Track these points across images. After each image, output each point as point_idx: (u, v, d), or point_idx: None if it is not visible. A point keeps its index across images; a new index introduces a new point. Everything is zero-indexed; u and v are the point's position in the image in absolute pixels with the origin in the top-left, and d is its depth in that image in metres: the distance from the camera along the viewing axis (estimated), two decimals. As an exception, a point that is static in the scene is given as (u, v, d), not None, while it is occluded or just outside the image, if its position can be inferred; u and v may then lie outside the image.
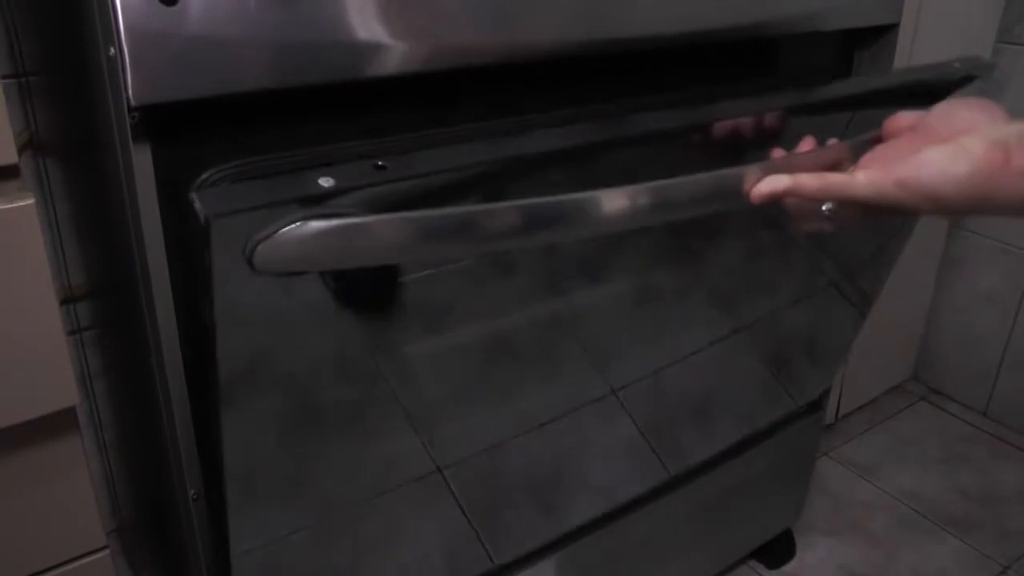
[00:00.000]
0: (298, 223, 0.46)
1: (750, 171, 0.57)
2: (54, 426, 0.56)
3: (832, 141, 0.62)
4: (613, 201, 0.55)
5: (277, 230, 0.46)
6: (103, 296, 0.89)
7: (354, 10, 0.54)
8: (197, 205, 0.46)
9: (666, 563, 1.15)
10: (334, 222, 0.47)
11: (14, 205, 0.49)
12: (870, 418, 1.72)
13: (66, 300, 0.94)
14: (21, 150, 0.86)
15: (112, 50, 0.47)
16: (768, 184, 0.56)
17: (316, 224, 0.47)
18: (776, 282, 0.99)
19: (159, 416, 0.63)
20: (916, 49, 1.28)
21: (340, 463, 0.70)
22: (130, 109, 0.48)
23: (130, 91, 0.47)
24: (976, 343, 1.71)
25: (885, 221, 0.77)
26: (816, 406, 1.24)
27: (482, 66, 0.62)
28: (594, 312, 0.81)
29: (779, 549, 1.36)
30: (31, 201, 0.50)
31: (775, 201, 0.56)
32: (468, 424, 0.78)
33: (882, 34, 0.99)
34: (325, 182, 0.50)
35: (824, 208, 0.56)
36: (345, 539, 0.76)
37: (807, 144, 0.62)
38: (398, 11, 0.56)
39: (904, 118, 0.58)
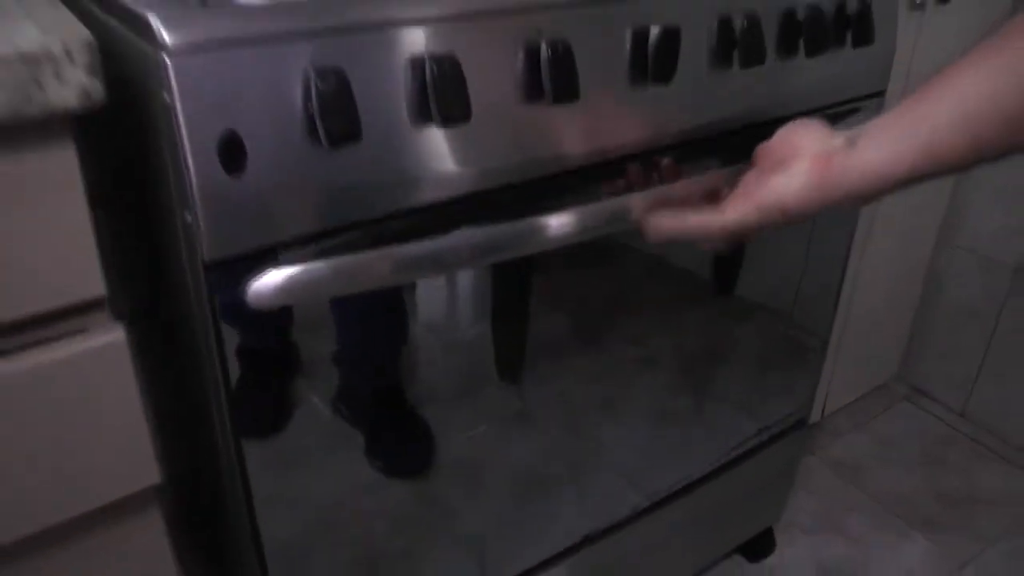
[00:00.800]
0: (270, 270, 0.59)
1: (635, 199, 0.73)
2: (136, 504, 0.67)
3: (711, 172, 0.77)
4: (523, 229, 0.70)
5: (257, 275, 0.58)
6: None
7: (397, 152, 0.63)
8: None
9: (661, 562, 1.27)
10: (309, 266, 0.59)
11: (108, 340, 0.58)
12: (854, 417, 1.82)
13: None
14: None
15: (188, 217, 0.56)
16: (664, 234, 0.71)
17: (285, 269, 0.59)
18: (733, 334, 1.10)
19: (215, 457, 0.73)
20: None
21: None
22: (204, 265, 0.57)
23: (204, 250, 0.56)
24: (958, 348, 1.80)
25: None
26: (800, 423, 1.34)
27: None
28: (592, 420, 0.93)
29: (760, 544, 1.48)
30: (122, 334, 0.59)
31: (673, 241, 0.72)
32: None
33: (871, 99, 1.06)
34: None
35: None
36: None
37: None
38: (428, 149, 0.64)
39: (762, 146, 0.71)
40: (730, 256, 1.05)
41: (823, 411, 1.76)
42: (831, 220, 1.15)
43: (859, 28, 0.94)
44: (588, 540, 1.09)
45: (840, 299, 1.31)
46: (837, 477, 1.67)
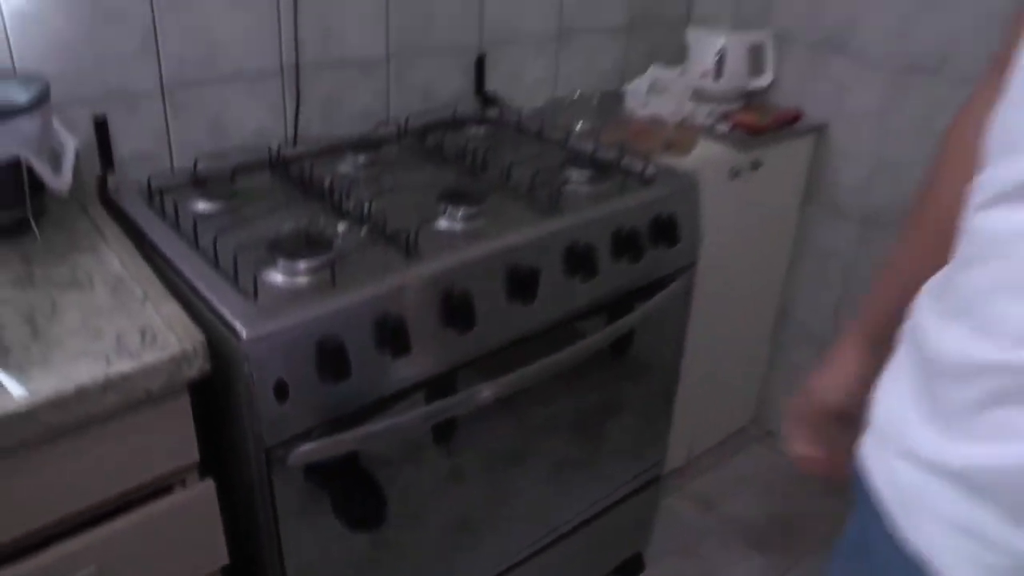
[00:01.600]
0: (301, 447, 1.03)
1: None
2: (213, 578, 1.12)
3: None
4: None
5: (294, 450, 1.03)
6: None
7: (372, 375, 1.09)
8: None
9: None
10: (323, 440, 1.05)
11: (201, 489, 1.04)
12: (715, 458, 2.33)
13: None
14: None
15: (256, 427, 1.01)
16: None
17: (308, 445, 1.04)
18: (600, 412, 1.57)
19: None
20: (712, 274, 1.81)
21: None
22: (265, 448, 1.02)
23: (265, 440, 1.02)
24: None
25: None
26: (656, 479, 1.83)
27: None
28: (509, 473, 1.39)
29: (633, 565, 1.96)
30: (211, 485, 1.05)
31: None
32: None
33: (685, 271, 1.55)
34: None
35: None
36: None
37: None
38: (389, 369, 1.11)
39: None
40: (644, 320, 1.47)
41: (689, 454, 2.26)
42: (668, 303, 1.60)
43: (668, 235, 1.42)
44: (508, 570, 1.55)
45: (682, 365, 1.76)
46: (696, 509, 2.17)
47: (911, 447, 0.68)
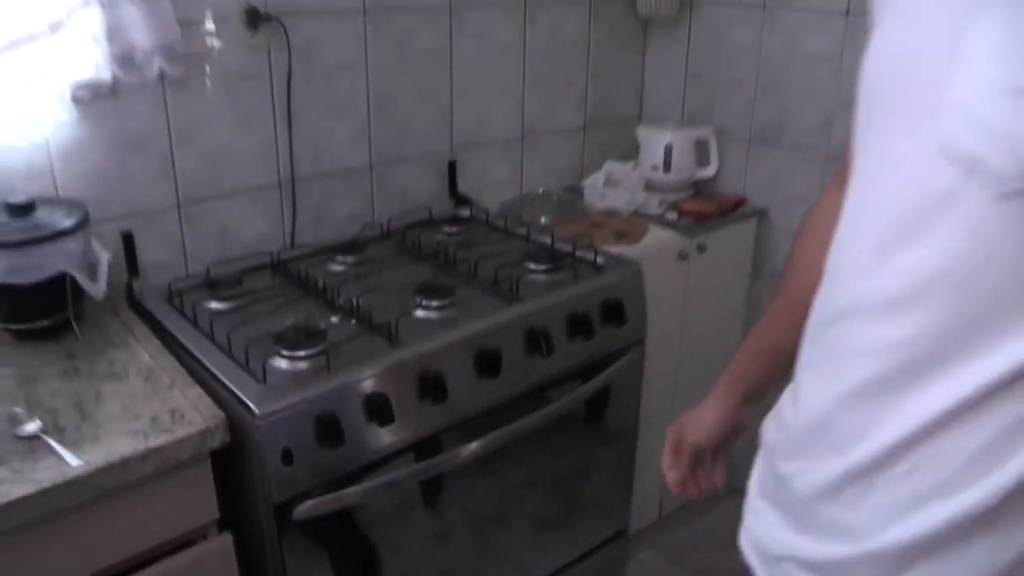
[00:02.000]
0: (306, 503, 1.24)
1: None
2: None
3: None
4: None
5: (298, 506, 1.23)
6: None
7: (361, 442, 1.30)
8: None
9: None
10: (323, 497, 1.25)
11: (220, 543, 1.24)
12: (685, 515, 2.51)
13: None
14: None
15: (266, 487, 1.22)
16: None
17: (310, 502, 1.25)
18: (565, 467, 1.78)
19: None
20: (667, 348, 2.05)
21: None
22: (274, 504, 1.23)
23: (274, 498, 1.23)
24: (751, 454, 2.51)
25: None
26: (623, 533, 2.02)
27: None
28: (489, 529, 1.59)
29: (609, 616, 2.14)
30: (229, 539, 1.25)
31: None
32: None
33: (635, 346, 1.77)
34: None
35: None
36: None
37: None
38: (377, 435, 1.32)
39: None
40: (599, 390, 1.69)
41: (660, 511, 2.45)
42: (619, 376, 1.83)
43: (616, 317, 1.66)
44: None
45: (651, 431, 1.96)
46: (666, 562, 2.35)
47: (776, 545, 0.84)
